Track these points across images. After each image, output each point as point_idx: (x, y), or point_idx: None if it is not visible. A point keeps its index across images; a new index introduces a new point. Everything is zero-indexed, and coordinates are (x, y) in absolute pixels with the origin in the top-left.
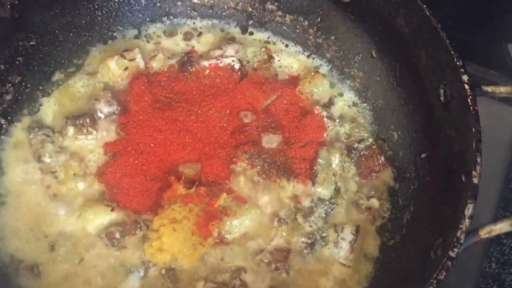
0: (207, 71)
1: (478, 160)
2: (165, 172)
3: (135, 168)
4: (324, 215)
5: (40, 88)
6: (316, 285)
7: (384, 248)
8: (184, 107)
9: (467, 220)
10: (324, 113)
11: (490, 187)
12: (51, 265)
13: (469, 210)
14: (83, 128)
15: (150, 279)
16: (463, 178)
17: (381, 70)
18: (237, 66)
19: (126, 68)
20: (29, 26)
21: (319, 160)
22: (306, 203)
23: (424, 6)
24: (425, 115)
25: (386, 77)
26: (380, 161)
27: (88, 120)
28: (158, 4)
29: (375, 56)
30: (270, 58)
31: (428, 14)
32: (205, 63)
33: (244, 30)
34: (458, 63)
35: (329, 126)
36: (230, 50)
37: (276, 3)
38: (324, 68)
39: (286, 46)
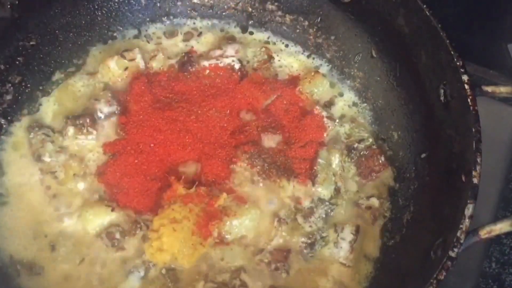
0: (207, 71)
1: (478, 160)
2: (165, 172)
3: (135, 168)
4: (324, 215)
5: (40, 88)
6: (316, 285)
7: (384, 248)
8: (184, 107)
9: (467, 220)
10: (324, 113)
11: (490, 187)
12: (51, 265)
13: (469, 210)
14: (83, 128)
15: (150, 279)
16: (463, 178)
17: (381, 70)
18: (237, 66)
19: (126, 68)
20: (29, 26)
21: (319, 160)
22: (306, 203)
23: (424, 6)
24: (425, 115)
25: (386, 77)
26: (380, 161)
27: (88, 120)
28: (158, 4)
29: (375, 56)
30: (270, 58)
31: (428, 14)
32: (205, 63)
33: (244, 30)
34: (458, 63)
35: (329, 126)
36: (230, 50)
37: (276, 3)
38: (324, 68)
39: (286, 46)
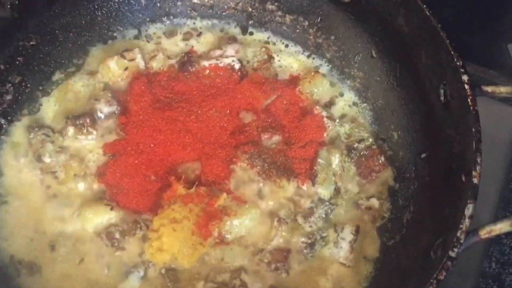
0: (207, 71)
1: (478, 160)
2: (165, 172)
3: (135, 168)
4: (324, 215)
5: (40, 88)
6: (316, 285)
7: (384, 248)
8: (184, 107)
9: (467, 220)
10: (324, 113)
11: (490, 187)
12: (51, 265)
13: (469, 210)
14: (83, 128)
15: (150, 279)
16: (463, 178)
17: (381, 70)
18: (237, 66)
19: (126, 68)
20: (29, 26)
21: (319, 160)
22: (306, 203)
23: (424, 6)
24: (425, 115)
25: (386, 77)
26: (380, 161)
27: (88, 120)
28: (158, 4)
29: (375, 56)
30: (270, 58)
31: (428, 14)
32: (205, 63)
33: (244, 30)
34: (458, 63)
35: (329, 126)
36: (230, 50)
37: (276, 3)
38: (324, 68)
39: (286, 46)
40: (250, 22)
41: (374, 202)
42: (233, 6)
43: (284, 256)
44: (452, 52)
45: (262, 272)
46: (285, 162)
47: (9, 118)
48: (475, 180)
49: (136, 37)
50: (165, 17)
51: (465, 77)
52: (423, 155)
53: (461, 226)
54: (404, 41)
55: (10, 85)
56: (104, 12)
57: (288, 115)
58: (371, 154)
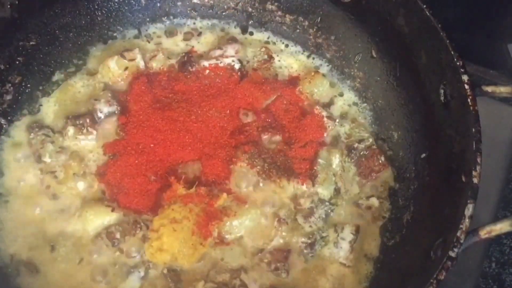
0: (207, 71)
1: (478, 160)
2: (165, 172)
3: (135, 168)
4: (324, 216)
5: (40, 88)
6: (316, 285)
7: (384, 248)
8: (184, 107)
9: (467, 220)
10: (324, 113)
11: (490, 187)
12: (51, 265)
13: (469, 210)
14: (83, 128)
15: (150, 279)
16: (463, 178)
17: (381, 70)
18: (237, 66)
19: (126, 68)
20: (29, 26)
21: (319, 160)
22: (306, 203)
23: (424, 6)
24: (425, 115)
25: (386, 77)
26: (380, 161)
27: (88, 120)
28: (158, 4)
29: (375, 56)
30: (270, 58)
31: (428, 14)
32: (205, 63)
33: (244, 30)
34: (458, 63)
35: (329, 126)
36: (230, 50)
37: (276, 3)
38: (324, 68)
39: (286, 46)
40: (250, 22)
41: (374, 202)
42: (233, 6)
43: (284, 256)
44: (452, 52)
45: (262, 272)
46: (285, 162)
47: (9, 118)
48: (475, 180)
49: (136, 37)
50: (165, 17)
51: (465, 77)
52: (423, 155)
53: (461, 226)
54: (404, 41)
55: (10, 85)
56: (104, 12)
57: (288, 115)
58: (371, 154)
